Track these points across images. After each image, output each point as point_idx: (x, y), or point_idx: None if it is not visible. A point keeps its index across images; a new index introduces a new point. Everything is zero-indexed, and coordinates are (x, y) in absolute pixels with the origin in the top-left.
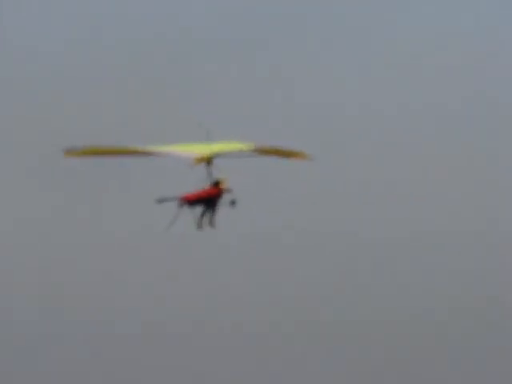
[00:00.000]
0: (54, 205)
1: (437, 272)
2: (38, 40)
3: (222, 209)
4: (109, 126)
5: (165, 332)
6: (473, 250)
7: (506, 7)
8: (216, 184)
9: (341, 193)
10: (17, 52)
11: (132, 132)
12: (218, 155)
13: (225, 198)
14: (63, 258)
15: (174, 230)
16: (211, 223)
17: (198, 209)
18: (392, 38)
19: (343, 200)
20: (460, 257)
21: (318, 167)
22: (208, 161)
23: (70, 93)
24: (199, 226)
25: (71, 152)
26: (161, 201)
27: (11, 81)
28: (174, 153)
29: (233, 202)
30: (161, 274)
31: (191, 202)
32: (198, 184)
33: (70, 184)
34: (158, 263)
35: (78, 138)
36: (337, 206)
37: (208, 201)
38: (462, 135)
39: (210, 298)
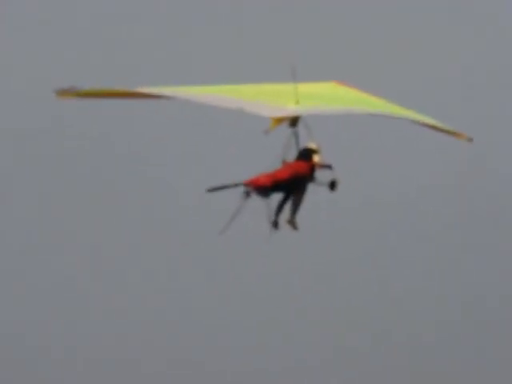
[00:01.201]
0: None
1: None
2: None
3: (313, 196)
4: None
5: None
6: None
7: None
8: (305, 156)
9: None
10: None
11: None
12: (316, 112)
13: (318, 178)
14: None
15: (234, 234)
16: (292, 221)
17: (276, 198)
18: None
19: None
20: None
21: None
22: (294, 121)
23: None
24: (274, 225)
25: (65, 93)
26: (214, 189)
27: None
28: (231, 103)
29: (333, 184)
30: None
31: (265, 187)
32: (275, 158)
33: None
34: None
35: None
36: None
37: (291, 185)
38: None
39: None
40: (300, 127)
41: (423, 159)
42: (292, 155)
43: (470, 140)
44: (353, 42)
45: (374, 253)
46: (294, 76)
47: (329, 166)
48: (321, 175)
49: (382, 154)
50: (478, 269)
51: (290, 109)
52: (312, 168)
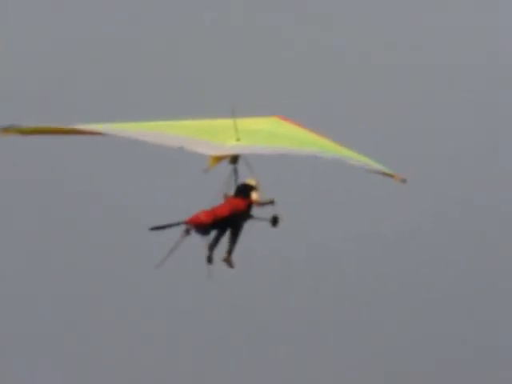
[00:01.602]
0: None
1: None
2: None
3: (250, 232)
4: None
5: None
6: None
7: None
8: (243, 192)
9: None
10: None
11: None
12: (256, 151)
13: (261, 214)
14: None
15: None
16: (229, 258)
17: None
18: None
19: None
20: None
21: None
22: (234, 158)
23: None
24: (209, 260)
25: (8, 130)
26: (156, 227)
27: None
28: (172, 141)
29: (275, 220)
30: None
31: (206, 225)
32: (215, 194)
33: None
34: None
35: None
36: None
37: (229, 221)
38: None
39: None
40: (241, 164)
41: (362, 203)
42: (232, 191)
43: (404, 181)
44: (292, 75)
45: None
46: (234, 112)
47: (271, 202)
48: (263, 211)
49: (324, 194)
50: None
51: (229, 147)
52: (249, 205)
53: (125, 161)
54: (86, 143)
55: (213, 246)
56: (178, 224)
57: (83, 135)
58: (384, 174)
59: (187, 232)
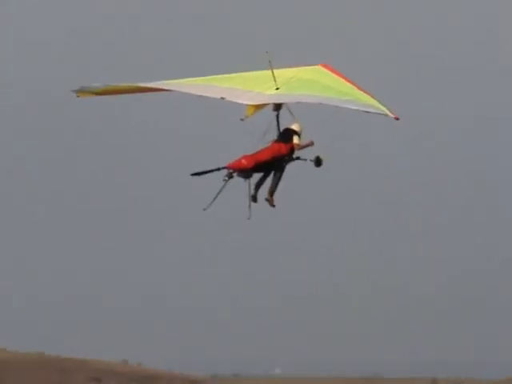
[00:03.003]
0: None
1: None
2: None
3: (292, 175)
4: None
5: None
6: None
7: None
8: (285, 136)
9: None
10: None
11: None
12: (292, 99)
13: (304, 155)
14: None
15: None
16: (271, 198)
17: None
18: None
19: None
20: None
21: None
22: (277, 105)
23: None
24: (253, 199)
25: (83, 92)
26: (198, 173)
27: None
28: (214, 93)
29: (318, 161)
30: None
31: (247, 169)
32: (253, 139)
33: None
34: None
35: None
36: None
37: (271, 164)
38: None
39: None
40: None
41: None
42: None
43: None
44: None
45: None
46: (271, 62)
47: (311, 144)
48: (307, 152)
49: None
50: None
51: (267, 96)
52: (291, 148)
53: (174, 112)
54: (140, 97)
55: (257, 187)
56: (218, 169)
57: (143, 92)
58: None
59: (230, 176)
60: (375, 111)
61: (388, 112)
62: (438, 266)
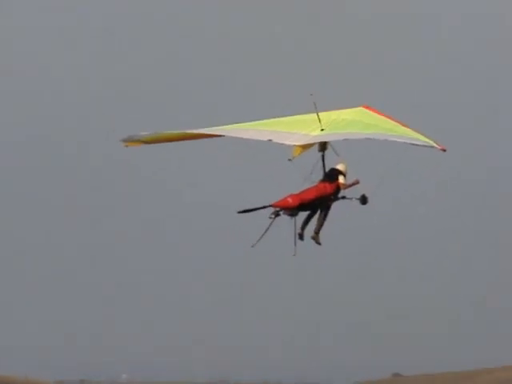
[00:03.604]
0: None
1: None
2: None
3: (339, 211)
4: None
5: None
6: None
7: None
8: (331, 176)
9: None
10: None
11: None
12: (338, 137)
13: (349, 194)
14: None
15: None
16: (317, 236)
17: (302, 216)
18: None
19: None
20: None
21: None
22: (322, 146)
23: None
24: (300, 237)
25: (131, 141)
26: (245, 211)
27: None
28: (261, 135)
29: (363, 199)
30: None
31: (293, 207)
32: (300, 179)
33: None
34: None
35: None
36: None
37: (316, 203)
38: None
39: None
40: (329, 152)
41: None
42: (321, 177)
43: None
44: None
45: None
46: (315, 106)
47: (356, 183)
48: (352, 191)
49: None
50: None
51: (313, 136)
52: (337, 188)
53: (224, 155)
54: (186, 143)
55: (304, 225)
56: (264, 207)
57: (190, 139)
58: (428, 146)
59: (277, 214)
60: (423, 144)
61: (435, 144)
62: None
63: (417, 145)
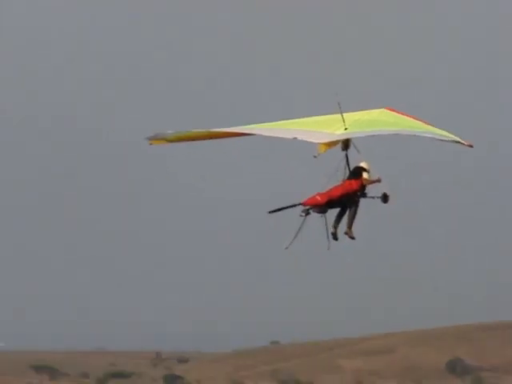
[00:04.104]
0: None
1: None
2: None
3: (365, 209)
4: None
5: None
6: None
7: None
8: (355, 174)
9: None
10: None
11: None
12: (360, 135)
13: (372, 192)
14: None
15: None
16: (350, 232)
17: (332, 213)
18: None
19: None
20: None
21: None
22: (346, 145)
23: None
24: (334, 236)
25: (156, 139)
26: (275, 211)
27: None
28: (287, 134)
29: (385, 197)
30: None
31: (322, 205)
32: (326, 178)
33: None
34: None
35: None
36: None
37: (344, 200)
38: None
39: None
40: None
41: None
42: (345, 174)
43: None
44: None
45: None
46: (340, 106)
47: (378, 181)
48: (375, 189)
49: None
50: None
51: (337, 134)
52: (362, 184)
53: (254, 153)
54: (213, 142)
55: (336, 223)
56: (293, 206)
57: (215, 138)
58: (456, 142)
59: (307, 212)
60: (450, 140)
61: (461, 140)
62: None
63: (444, 141)
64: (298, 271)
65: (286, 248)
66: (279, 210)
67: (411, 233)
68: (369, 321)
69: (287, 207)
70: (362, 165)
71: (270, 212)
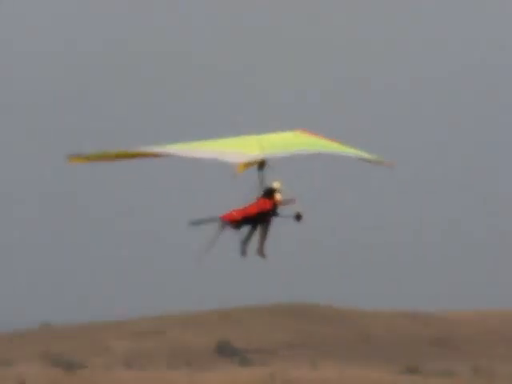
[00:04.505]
0: None
1: None
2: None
3: (277, 227)
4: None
5: None
6: None
7: None
8: (268, 194)
9: None
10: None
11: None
12: (276, 155)
13: (285, 212)
14: None
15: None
16: (261, 250)
17: (245, 229)
18: None
19: None
20: None
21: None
22: (261, 164)
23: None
24: (243, 252)
25: (75, 158)
26: (195, 223)
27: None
28: (206, 154)
29: (298, 216)
30: None
31: (237, 222)
32: (242, 195)
33: None
34: None
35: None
36: None
37: (257, 219)
38: None
39: None
40: (267, 170)
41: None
42: (260, 194)
43: (393, 166)
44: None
45: None
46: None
47: (292, 201)
48: (288, 209)
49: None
50: None
51: (254, 154)
52: (274, 204)
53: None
54: (138, 164)
55: (246, 240)
56: (213, 219)
57: (135, 157)
58: (376, 162)
59: (222, 226)
60: (372, 159)
61: (382, 160)
62: None
63: (366, 160)
64: (63, 258)
65: (198, 258)
66: (201, 221)
67: None
68: (138, 302)
69: (208, 220)
70: (275, 185)
71: (191, 223)
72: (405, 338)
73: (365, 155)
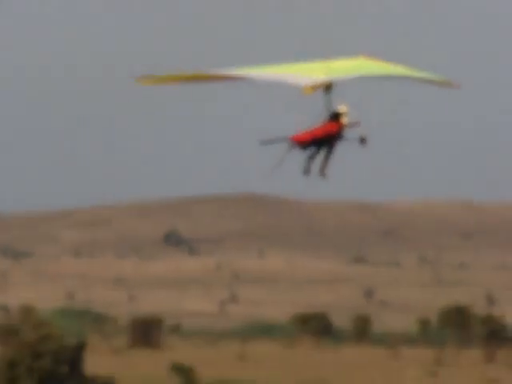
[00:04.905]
0: None
1: None
2: None
3: (342, 150)
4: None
5: None
6: None
7: None
8: (335, 117)
9: None
10: None
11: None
12: (341, 79)
13: (350, 136)
14: None
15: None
16: (323, 170)
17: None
18: None
19: None
20: None
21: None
22: (327, 87)
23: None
24: (306, 170)
25: (144, 79)
26: (266, 142)
27: None
28: (275, 77)
29: (362, 140)
30: None
31: (304, 143)
32: (311, 118)
33: None
34: None
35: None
36: None
37: (324, 140)
38: None
39: None
40: (334, 94)
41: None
42: (324, 116)
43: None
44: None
45: None
46: (325, 54)
47: (357, 123)
48: (352, 132)
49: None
50: None
51: (320, 78)
52: (340, 128)
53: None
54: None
55: (310, 159)
56: (283, 139)
57: (205, 80)
58: (443, 83)
59: (292, 146)
60: (438, 81)
61: (449, 82)
62: None
63: (433, 82)
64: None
65: (270, 173)
66: (270, 142)
67: None
68: (87, 192)
69: (278, 139)
70: (341, 109)
71: (262, 142)
72: (353, 229)
73: (432, 77)
